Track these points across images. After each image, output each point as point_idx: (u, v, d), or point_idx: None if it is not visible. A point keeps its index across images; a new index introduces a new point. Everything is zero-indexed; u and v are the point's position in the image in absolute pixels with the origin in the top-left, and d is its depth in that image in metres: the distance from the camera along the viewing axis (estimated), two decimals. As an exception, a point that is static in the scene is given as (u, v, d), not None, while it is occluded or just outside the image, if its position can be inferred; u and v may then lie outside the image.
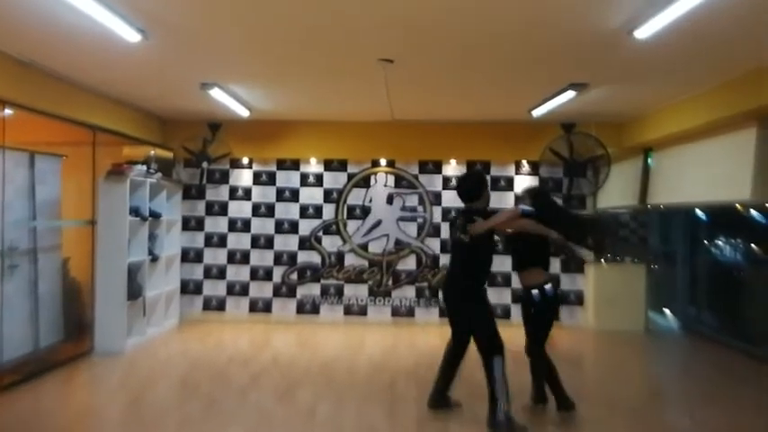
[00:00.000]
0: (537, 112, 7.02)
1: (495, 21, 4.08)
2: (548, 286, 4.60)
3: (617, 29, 4.13)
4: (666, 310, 9.18)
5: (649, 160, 7.39)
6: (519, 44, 4.62)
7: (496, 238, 4.92)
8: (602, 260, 8.20)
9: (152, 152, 7.70)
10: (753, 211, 7.28)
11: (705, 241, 8.44)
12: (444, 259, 8.28)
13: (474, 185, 4.70)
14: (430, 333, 7.69)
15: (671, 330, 8.55)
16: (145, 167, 7.07)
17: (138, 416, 4.77)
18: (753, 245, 7.57)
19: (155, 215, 7.36)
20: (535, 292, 4.58)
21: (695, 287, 8.62)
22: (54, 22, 4.14)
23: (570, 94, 6.02)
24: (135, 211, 6.89)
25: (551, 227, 4.58)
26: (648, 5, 3.71)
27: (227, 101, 6.57)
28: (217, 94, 6.25)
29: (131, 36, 4.27)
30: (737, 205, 7.10)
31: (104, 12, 3.83)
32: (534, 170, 8.34)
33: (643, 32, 4.08)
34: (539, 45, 4.62)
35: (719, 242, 8.21)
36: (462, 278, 4.61)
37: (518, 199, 8.28)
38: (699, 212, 8.39)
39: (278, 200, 8.42)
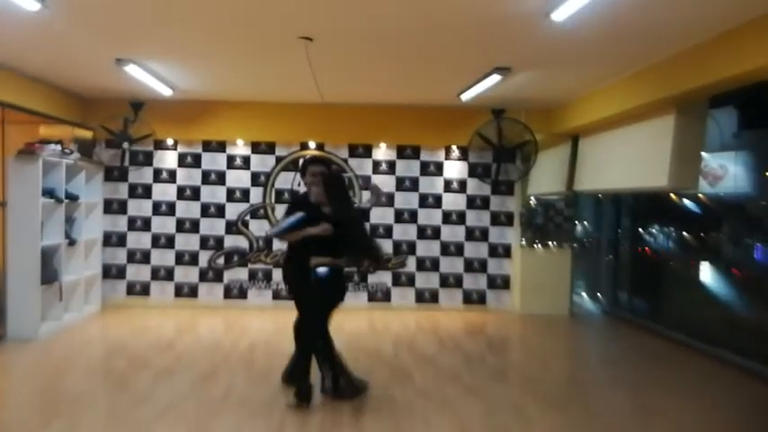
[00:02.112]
0: (465, 96, 7.05)
1: (413, 3, 4.06)
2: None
3: (534, 11, 4.14)
4: (588, 295, 9.49)
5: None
6: (439, 26, 4.61)
7: None
8: (530, 244, 8.37)
9: (73, 132, 7.41)
10: (685, 201, 7.47)
11: (636, 228, 8.64)
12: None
13: None
14: (358, 317, 7.70)
15: (593, 314, 8.82)
16: (59, 147, 6.77)
17: (49, 401, 4.62)
18: (684, 233, 7.77)
19: (72, 197, 7.07)
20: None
21: (620, 273, 8.89)
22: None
23: (495, 78, 6.05)
24: (49, 193, 6.59)
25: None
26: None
27: (146, 78, 6.34)
28: (133, 70, 6.01)
29: (29, 4, 4.04)
30: (671, 194, 7.32)
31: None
32: (464, 155, 8.42)
33: (560, 15, 4.10)
34: (458, 27, 4.62)
35: (650, 229, 8.42)
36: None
37: (447, 184, 8.40)
38: (629, 199, 8.60)
39: (204, 183, 8.23)
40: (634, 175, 6.13)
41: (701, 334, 6.63)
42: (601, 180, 6.96)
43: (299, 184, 8.23)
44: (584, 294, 9.56)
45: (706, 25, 4.35)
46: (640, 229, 8.59)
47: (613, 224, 9.12)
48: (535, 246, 8.37)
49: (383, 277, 8.36)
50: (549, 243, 8.43)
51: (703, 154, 5.81)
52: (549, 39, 4.77)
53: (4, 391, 5.00)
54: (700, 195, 7.08)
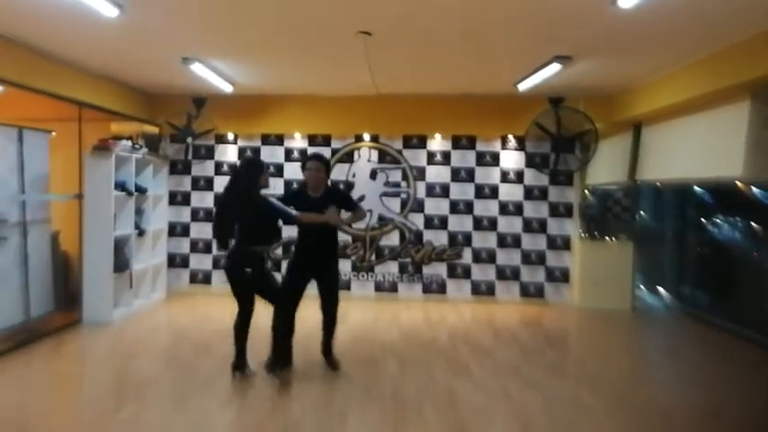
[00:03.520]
0: (523, 86, 6.95)
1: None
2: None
3: (600, -2, 4.05)
4: (655, 289, 9.24)
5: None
6: (498, 16, 4.58)
7: None
8: (590, 236, 8.22)
9: (141, 128, 7.73)
10: (754, 189, 7.12)
11: (701, 219, 8.34)
12: (429, 235, 8.34)
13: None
14: (413, 309, 7.78)
15: (656, 309, 8.58)
16: (130, 143, 7.08)
17: (122, 384, 4.91)
18: (753, 223, 7.43)
19: (141, 190, 7.40)
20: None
21: (684, 265, 8.61)
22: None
23: (555, 67, 5.94)
24: (121, 186, 6.93)
25: None
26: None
27: (210, 75, 6.56)
28: (198, 68, 6.23)
29: (108, 10, 4.27)
30: (738, 182, 6.94)
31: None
32: (521, 145, 8.33)
33: (627, 1, 4.00)
34: (517, 17, 4.57)
35: (717, 220, 8.09)
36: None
37: (504, 175, 8.34)
38: (695, 189, 8.28)
39: (264, 175, 8.43)
40: (705, 164, 5.87)
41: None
42: (667, 169, 6.69)
43: (353, 176, 8.39)
44: (646, 288, 9.32)
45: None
46: (704, 220, 8.29)
47: (676, 215, 8.84)
48: (596, 237, 8.20)
49: (438, 269, 8.39)
50: (609, 235, 8.24)
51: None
52: (614, 26, 4.65)
53: (82, 372, 5.32)
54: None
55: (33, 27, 4.97)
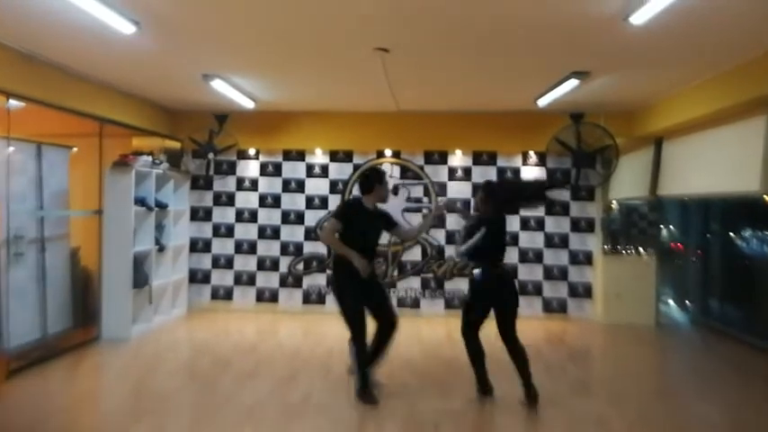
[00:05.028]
0: (542, 102, 6.94)
1: (489, 7, 4.04)
2: (476, 270, 4.78)
3: (612, 15, 4.05)
4: (676, 303, 9.06)
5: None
6: (514, 33, 4.58)
7: None
8: (613, 250, 8.08)
9: (163, 143, 7.82)
10: None
11: (728, 233, 8.19)
12: (450, 250, 8.26)
13: (364, 180, 5.05)
14: (435, 324, 7.69)
15: (682, 324, 8.41)
16: (150, 158, 7.15)
17: (140, 399, 4.88)
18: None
19: (161, 205, 7.45)
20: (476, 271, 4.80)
21: (711, 280, 8.43)
22: (50, 12, 4.19)
23: (573, 82, 5.95)
24: (141, 202, 6.98)
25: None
26: (640, -10, 3.65)
27: (231, 92, 6.62)
28: (219, 85, 6.29)
29: (125, 27, 4.31)
30: (765, 196, 6.88)
31: (96, 3, 3.88)
32: (541, 161, 8.27)
33: (638, 18, 4.00)
34: (535, 33, 4.57)
35: (743, 234, 7.93)
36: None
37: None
38: (721, 202, 8.12)
39: (284, 191, 8.47)
40: (723, 179, 5.85)
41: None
42: (687, 184, 6.65)
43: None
44: (671, 303, 9.13)
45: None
46: (731, 234, 8.11)
47: (702, 228, 8.67)
48: (620, 251, 8.07)
49: (460, 284, 8.30)
50: (633, 249, 8.11)
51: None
52: (629, 42, 4.65)
53: (100, 388, 5.35)
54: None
55: (53, 44, 5.04)
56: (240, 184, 8.54)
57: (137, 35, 4.52)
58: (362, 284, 4.78)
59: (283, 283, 8.46)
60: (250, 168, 8.54)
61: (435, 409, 4.67)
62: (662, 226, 8.67)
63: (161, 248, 7.49)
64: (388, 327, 4.93)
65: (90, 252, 6.91)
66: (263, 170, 8.51)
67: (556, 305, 8.25)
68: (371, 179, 4.98)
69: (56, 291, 6.47)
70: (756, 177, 5.19)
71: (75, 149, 6.87)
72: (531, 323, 7.88)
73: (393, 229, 5.20)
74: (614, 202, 8.13)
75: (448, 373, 5.69)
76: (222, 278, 8.54)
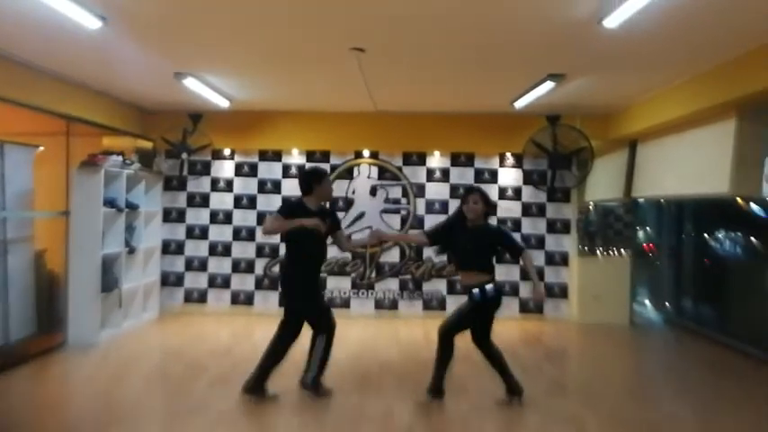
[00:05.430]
0: (519, 104, 6.95)
1: (464, 9, 4.00)
2: (488, 286, 4.67)
3: (586, 18, 4.05)
4: (650, 303, 9.13)
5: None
6: (490, 35, 4.58)
7: None
8: (588, 252, 8.11)
9: (134, 143, 7.64)
10: (753, 205, 7.10)
11: (701, 234, 8.28)
12: (429, 251, 8.19)
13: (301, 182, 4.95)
14: (413, 326, 7.63)
15: (656, 324, 8.48)
16: (121, 158, 6.97)
17: (107, 407, 4.71)
18: (752, 238, 7.36)
19: (132, 206, 7.27)
20: (476, 290, 4.68)
21: (684, 280, 8.52)
22: (10, 5, 4.04)
23: (549, 85, 5.96)
24: (111, 203, 6.80)
25: None
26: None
27: (204, 91, 6.48)
28: (192, 84, 6.15)
29: (91, 23, 4.16)
30: (738, 198, 6.95)
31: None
32: (518, 162, 8.28)
33: (612, 21, 4.00)
34: (511, 35, 4.57)
35: (717, 235, 8.03)
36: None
37: (502, 192, 8.25)
38: (695, 204, 8.23)
39: (260, 192, 8.34)
40: (694, 181, 5.94)
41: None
42: (660, 186, 6.75)
43: (353, 192, 8.28)
44: (646, 303, 9.20)
45: (765, 28, 4.16)
46: (705, 235, 8.20)
47: (676, 230, 8.76)
48: (595, 252, 8.10)
49: (438, 285, 8.26)
50: (609, 250, 8.15)
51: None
52: (603, 45, 4.66)
53: (65, 396, 5.14)
54: (768, 200, 6.70)
55: (15, 39, 4.84)
56: (215, 185, 8.38)
57: (103, 30, 4.37)
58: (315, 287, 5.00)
59: (259, 285, 8.33)
60: (225, 169, 8.39)
61: (412, 410, 4.62)
62: (637, 227, 8.72)
63: (131, 250, 7.30)
64: (329, 330, 5.01)
65: (56, 255, 6.67)
66: (239, 170, 8.37)
67: (532, 306, 8.24)
68: (308, 181, 4.87)
69: (19, 295, 6.24)
70: (726, 179, 5.27)
71: (41, 149, 6.64)
72: (507, 324, 7.89)
73: (334, 232, 5.04)
74: (590, 203, 8.15)
75: (425, 373, 5.59)
76: (196, 281, 8.37)
